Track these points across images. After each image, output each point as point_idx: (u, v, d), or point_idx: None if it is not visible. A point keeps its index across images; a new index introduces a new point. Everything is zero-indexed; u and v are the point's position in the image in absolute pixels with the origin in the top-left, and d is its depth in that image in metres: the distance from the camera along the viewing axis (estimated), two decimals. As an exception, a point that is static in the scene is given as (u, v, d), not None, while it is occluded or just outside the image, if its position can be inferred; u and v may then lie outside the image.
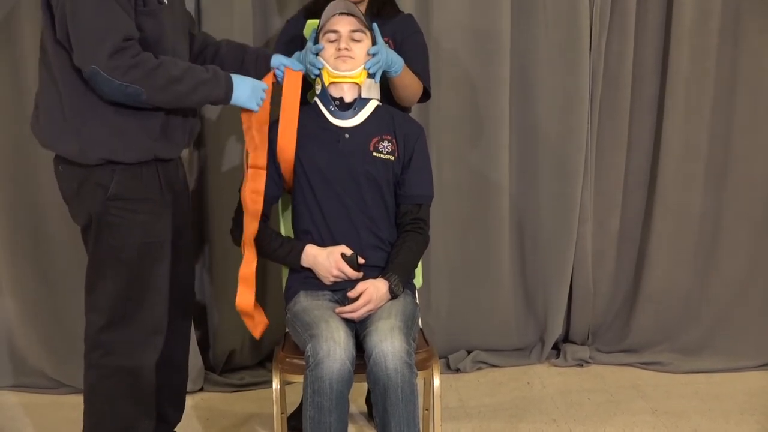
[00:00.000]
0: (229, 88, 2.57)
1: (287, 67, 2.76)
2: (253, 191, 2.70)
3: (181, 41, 2.65)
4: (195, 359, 3.58)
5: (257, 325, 2.80)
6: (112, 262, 2.54)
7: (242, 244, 2.73)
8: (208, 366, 3.76)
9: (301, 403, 2.70)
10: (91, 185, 2.49)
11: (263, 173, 2.72)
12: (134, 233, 2.53)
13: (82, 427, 2.68)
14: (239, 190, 2.77)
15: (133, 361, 2.60)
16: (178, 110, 2.56)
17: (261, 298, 3.56)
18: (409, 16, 3.17)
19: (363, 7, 3.03)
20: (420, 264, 2.94)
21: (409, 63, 2.93)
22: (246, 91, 2.61)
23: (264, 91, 2.68)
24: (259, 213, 2.71)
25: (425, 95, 3.07)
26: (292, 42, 3.06)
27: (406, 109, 3.05)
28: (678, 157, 3.86)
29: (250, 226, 2.71)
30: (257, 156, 2.71)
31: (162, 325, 2.66)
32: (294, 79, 2.76)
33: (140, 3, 2.44)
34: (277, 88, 2.78)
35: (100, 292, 2.56)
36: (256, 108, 2.65)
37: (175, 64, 2.46)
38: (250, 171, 2.71)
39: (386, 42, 2.93)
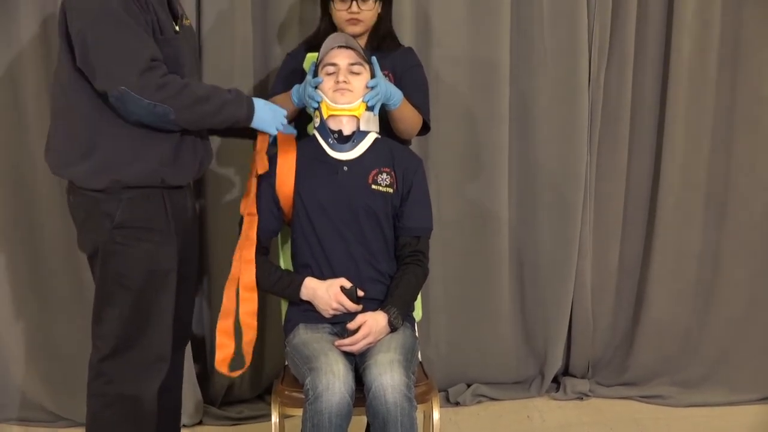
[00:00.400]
0: (251, 109, 2.61)
1: (279, 132, 2.76)
2: (246, 238, 2.74)
3: (195, 71, 2.72)
4: (194, 392, 3.57)
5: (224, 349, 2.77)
6: (117, 290, 2.55)
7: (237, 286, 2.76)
8: (207, 399, 3.74)
9: (300, 437, 2.69)
10: (98, 214, 2.52)
11: (255, 219, 2.76)
12: (140, 261, 2.54)
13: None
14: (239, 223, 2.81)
15: (135, 390, 2.59)
16: (188, 138, 2.59)
17: (260, 331, 3.56)
18: (410, 49, 3.19)
19: (363, 42, 3.05)
20: (419, 297, 2.94)
21: (408, 96, 2.94)
22: (267, 114, 2.66)
23: (284, 116, 2.71)
24: (252, 261, 2.73)
25: (425, 128, 3.08)
26: (293, 74, 3.08)
27: (405, 142, 3.06)
28: (677, 191, 3.86)
29: (246, 276, 2.73)
30: (247, 203, 2.77)
31: (166, 354, 2.65)
32: (287, 140, 2.81)
33: (158, 31, 2.50)
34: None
35: (105, 320, 2.57)
36: (274, 131, 2.69)
37: (199, 85, 2.52)
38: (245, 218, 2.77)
39: (386, 75, 2.94)
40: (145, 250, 2.55)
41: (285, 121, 2.72)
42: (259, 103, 2.64)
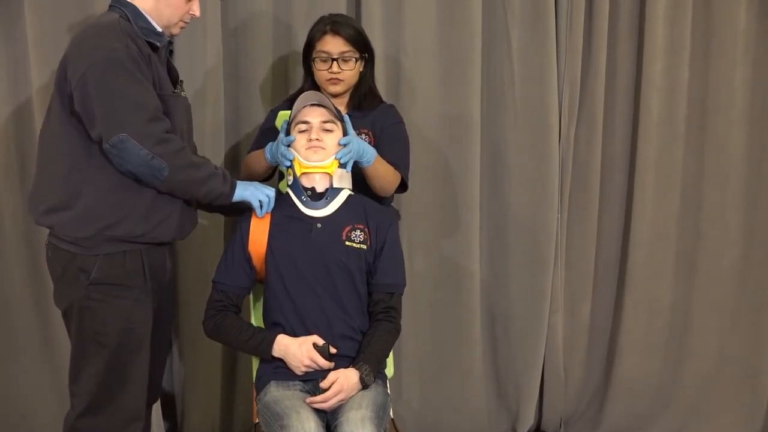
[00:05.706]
0: (233, 187, 2.64)
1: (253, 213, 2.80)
2: None
3: (188, 134, 2.75)
4: (163, 450, 3.54)
5: None
6: (93, 348, 2.54)
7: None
8: (177, 457, 3.70)
9: (271, 496, 2.66)
10: (75, 270, 2.51)
11: None
12: (115, 319, 2.54)
13: None
14: (213, 281, 2.79)
15: None
16: (167, 196, 2.58)
17: (231, 389, 3.53)
18: (391, 106, 3.21)
19: (344, 100, 3.09)
20: (391, 354, 2.93)
21: (387, 153, 2.96)
22: (248, 188, 2.69)
23: (270, 192, 2.74)
24: None
25: (403, 186, 3.09)
26: (270, 131, 3.08)
27: (384, 199, 3.06)
28: (647, 246, 3.89)
29: None
30: None
31: (141, 413, 2.64)
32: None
33: (157, 86, 2.52)
34: None
35: (81, 377, 2.56)
36: (256, 202, 2.70)
37: (193, 153, 2.56)
38: None
39: (366, 133, 2.97)
40: (121, 307, 2.54)
41: (273, 195, 2.74)
42: (242, 184, 2.68)
